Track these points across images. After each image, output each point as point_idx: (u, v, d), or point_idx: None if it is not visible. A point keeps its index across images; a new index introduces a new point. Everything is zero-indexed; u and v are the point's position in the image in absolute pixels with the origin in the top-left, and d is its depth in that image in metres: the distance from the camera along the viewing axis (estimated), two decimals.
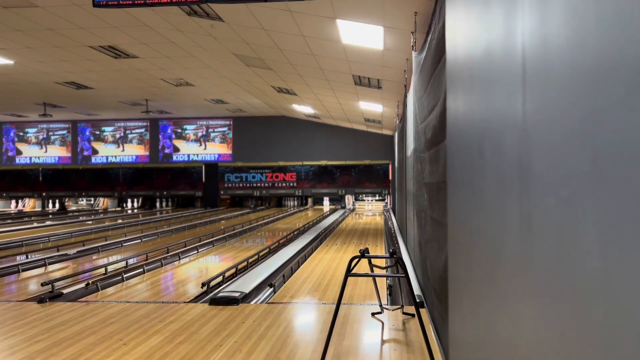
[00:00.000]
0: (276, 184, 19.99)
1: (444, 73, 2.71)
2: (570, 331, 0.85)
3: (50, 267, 6.87)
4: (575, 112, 0.82)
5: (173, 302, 4.58)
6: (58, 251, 8.05)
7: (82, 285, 5.33)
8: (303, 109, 16.12)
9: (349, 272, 3.03)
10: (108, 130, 20.91)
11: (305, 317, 4.23)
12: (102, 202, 21.65)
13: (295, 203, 20.81)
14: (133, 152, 20.85)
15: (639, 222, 0.62)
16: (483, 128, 1.57)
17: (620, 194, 0.67)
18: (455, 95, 2.25)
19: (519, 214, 1.14)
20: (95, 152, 21.06)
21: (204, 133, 20.29)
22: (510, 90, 1.22)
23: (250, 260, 6.95)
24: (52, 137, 21.34)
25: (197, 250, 8.38)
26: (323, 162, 19.65)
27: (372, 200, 21.19)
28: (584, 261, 0.79)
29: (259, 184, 20.05)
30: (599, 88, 0.73)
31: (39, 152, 21.33)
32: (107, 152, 21.02)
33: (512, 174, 1.20)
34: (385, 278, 5.30)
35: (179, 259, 7.39)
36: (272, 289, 5.24)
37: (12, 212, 20.10)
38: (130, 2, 4.36)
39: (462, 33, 2.04)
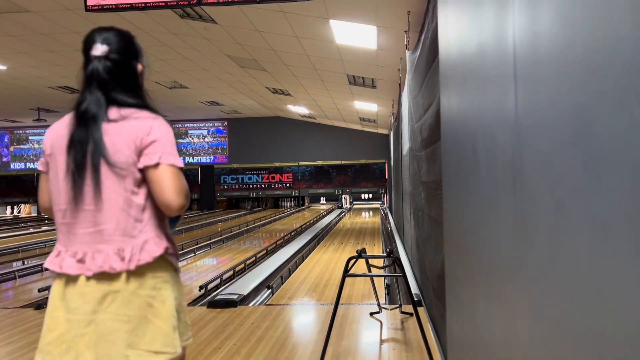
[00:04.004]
0: (273, 185, 19.98)
1: (439, 72, 2.71)
2: (564, 328, 0.85)
3: (47, 273, 6.85)
4: (565, 111, 0.82)
5: None
6: None
7: None
8: (298, 110, 16.12)
9: (346, 273, 3.03)
10: None
11: (304, 318, 4.22)
12: None
13: (292, 204, 20.81)
14: None
15: (629, 220, 0.62)
16: (476, 127, 1.57)
17: (611, 193, 0.67)
18: (449, 94, 2.26)
19: (513, 213, 1.15)
20: None
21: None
22: (502, 89, 1.22)
23: (247, 262, 6.94)
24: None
25: (194, 253, 8.37)
26: (319, 162, 19.66)
27: (369, 200, 21.20)
28: (577, 259, 0.79)
29: (255, 185, 20.04)
30: (589, 86, 0.74)
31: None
32: None
33: (505, 173, 1.21)
34: (383, 277, 5.30)
35: None
36: (270, 290, 5.24)
37: (7, 218, 20.02)
38: (122, 6, 4.34)
39: (455, 32, 2.05)
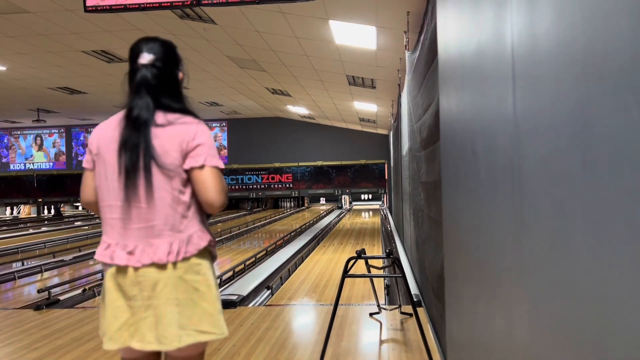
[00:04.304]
0: (272, 186, 19.97)
1: (438, 72, 2.71)
2: (564, 329, 0.85)
3: (47, 274, 6.84)
4: (564, 110, 0.82)
5: None
6: (54, 257, 8.02)
7: (79, 291, 5.31)
8: (298, 110, 16.12)
9: (345, 274, 3.03)
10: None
11: (304, 318, 4.22)
12: None
13: (292, 204, 20.80)
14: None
15: (628, 220, 0.62)
16: (475, 127, 1.57)
17: (610, 193, 0.67)
18: (448, 94, 2.26)
19: (512, 214, 1.15)
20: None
21: None
22: (500, 89, 1.22)
23: (247, 262, 6.94)
24: (46, 143, 21.26)
25: None
26: (319, 163, 19.65)
27: (368, 200, 21.20)
28: (576, 260, 0.79)
29: (255, 186, 20.03)
30: (587, 86, 0.73)
31: (32, 157, 21.24)
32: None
33: (505, 173, 1.21)
34: (382, 278, 5.30)
35: None
36: (269, 291, 5.24)
37: (7, 218, 20.01)
38: (122, 6, 4.34)
39: (454, 32, 2.05)
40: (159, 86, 1.61)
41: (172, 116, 1.59)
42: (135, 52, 1.65)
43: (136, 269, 1.54)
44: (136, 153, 1.54)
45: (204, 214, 1.65)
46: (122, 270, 1.55)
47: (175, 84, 1.68)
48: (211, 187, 1.55)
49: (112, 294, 1.57)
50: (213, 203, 1.56)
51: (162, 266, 1.54)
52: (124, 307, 1.56)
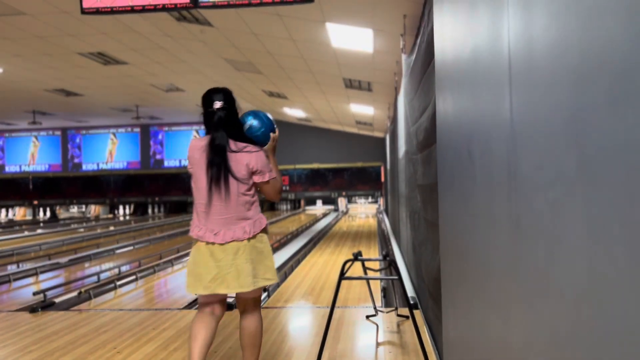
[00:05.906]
0: None
1: (434, 75, 2.72)
2: (560, 330, 0.85)
3: (42, 276, 6.81)
4: (559, 114, 0.83)
5: (166, 309, 4.55)
6: (49, 260, 7.98)
7: (75, 293, 5.29)
8: (294, 112, 16.13)
9: (342, 276, 3.03)
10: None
11: (300, 321, 4.22)
12: (94, 209, 21.51)
13: (288, 206, 20.77)
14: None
15: (623, 222, 0.62)
16: (472, 130, 1.58)
17: (605, 195, 0.68)
18: (444, 97, 2.26)
19: (508, 216, 1.15)
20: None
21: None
22: (497, 92, 1.23)
23: None
24: (42, 145, 21.17)
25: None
26: (315, 165, 19.65)
27: (365, 202, 21.19)
28: (571, 262, 0.80)
29: None
30: (582, 90, 0.74)
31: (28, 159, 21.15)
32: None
33: (500, 175, 1.21)
34: (379, 280, 5.30)
35: (172, 266, 7.35)
36: (266, 293, 5.23)
37: (2, 221, 19.91)
38: (118, 8, 4.34)
39: (450, 36, 2.06)
40: (229, 122, 2.42)
41: (240, 144, 2.40)
42: (208, 99, 2.46)
43: (221, 244, 2.35)
44: (218, 170, 2.35)
45: (260, 206, 2.52)
46: (210, 244, 2.36)
47: (236, 119, 2.48)
48: (272, 192, 2.50)
49: (205, 257, 2.36)
50: (274, 200, 2.59)
51: (241, 241, 2.37)
52: (213, 266, 2.34)
